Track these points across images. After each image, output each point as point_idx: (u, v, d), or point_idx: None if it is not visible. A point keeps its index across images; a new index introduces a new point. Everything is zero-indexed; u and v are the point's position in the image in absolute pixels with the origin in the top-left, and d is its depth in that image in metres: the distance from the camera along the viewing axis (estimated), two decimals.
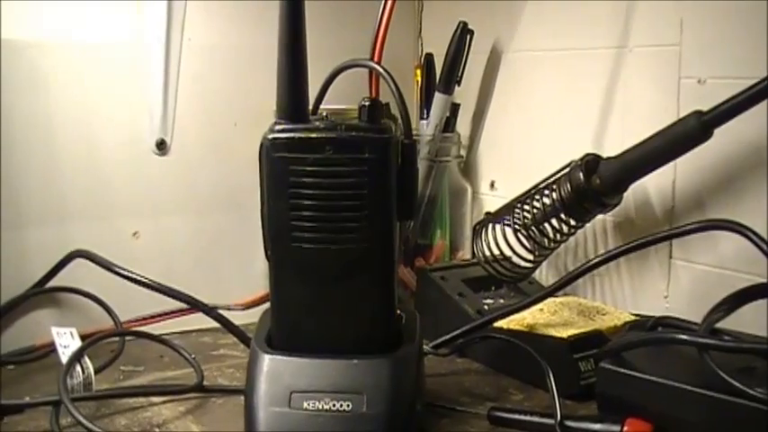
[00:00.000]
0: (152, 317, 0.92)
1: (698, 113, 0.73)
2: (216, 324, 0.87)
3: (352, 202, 0.64)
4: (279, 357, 0.66)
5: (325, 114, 0.67)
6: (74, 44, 0.90)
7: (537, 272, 0.93)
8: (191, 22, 0.96)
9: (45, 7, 0.89)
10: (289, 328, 0.68)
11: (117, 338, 0.87)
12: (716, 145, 0.75)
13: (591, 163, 0.82)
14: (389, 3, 0.68)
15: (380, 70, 0.66)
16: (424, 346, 0.79)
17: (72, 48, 0.90)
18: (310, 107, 0.68)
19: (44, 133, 0.90)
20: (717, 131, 0.73)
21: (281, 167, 0.63)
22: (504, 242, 0.90)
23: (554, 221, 0.85)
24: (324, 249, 0.65)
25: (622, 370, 0.67)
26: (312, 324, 0.67)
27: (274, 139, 0.63)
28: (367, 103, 0.63)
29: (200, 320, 0.90)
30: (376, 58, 0.67)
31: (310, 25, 0.64)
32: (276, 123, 0.64)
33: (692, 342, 0.65)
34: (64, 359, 0.72)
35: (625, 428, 0.64)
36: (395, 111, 0.67)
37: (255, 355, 0.67)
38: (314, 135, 0.63)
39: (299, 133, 0.63)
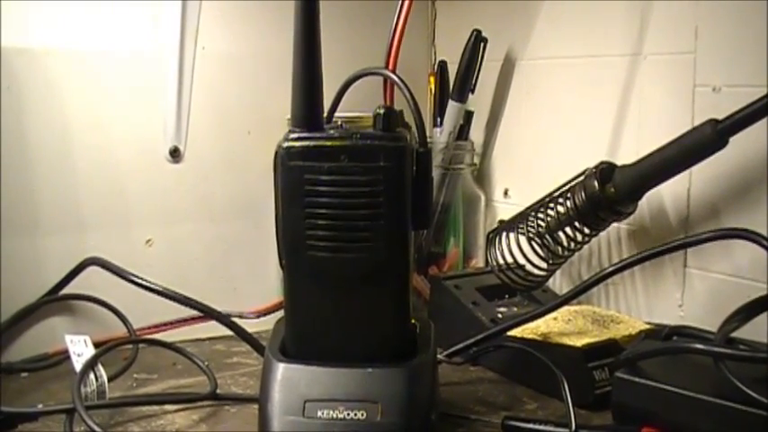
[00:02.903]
0: (165, 324, 0.92)
1: (713, 122, 0.73)
2: (229, 332, 0.87)
3: (366, 210, 0.63)
4: (293, 366, 0.66)
5: (339, 123, 0.67)
6: (89, 52, 0.91)
7: (551, 280, 0.92)
8: (205, 31, 0.96)
9: (60, 15, 0.89)
10: (303, 337, 0.68)
11: (130, 346, 0.87)
12: (731, 153, 0.74)
13: (605, 171, 0.82)
14: (404, 11, 0.67)
15: (395, 78, 0.66)
16: (438, 355, 0.79)
17: (87, 56, 0.91)
18: (325, 115, 0.68)
19: (59, 141, 0.90)
20: (732, 140, 0.72)
21: (296, 176, 0.63)
22: (518, 250, 0.89)
23: (568, 230, 0.85)
24: (338, 258, 0.64)
25: (638, 379, 0.67)
26: (326, 333, 0.67)
27: (289, 147, 0.63)
28: (382, 111, 0.63)
29: (214, 328, 0.90)
30: (390, 66, 0.67)
31: (325, 33, 0.64)
32: (291, 132, 0.64)
33: (708, 352, 0.64)
34: (77, 367, 0.72)
35: None
36: (409, 119, 0.67)
37: (269, 363, 0.67)
38: (329, 143, 0.63)
39: (314, 141, 0.63)
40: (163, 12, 0.93)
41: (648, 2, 0.86)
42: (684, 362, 0.69)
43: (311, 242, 0.64)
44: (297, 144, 0.63)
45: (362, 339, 0.67)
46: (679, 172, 0.77)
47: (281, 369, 0.66)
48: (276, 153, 0.64)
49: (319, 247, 0.64)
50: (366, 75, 0.68)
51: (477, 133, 1.07)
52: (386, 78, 0.67)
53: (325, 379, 0.65)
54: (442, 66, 1.07)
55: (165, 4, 0.93)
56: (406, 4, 0.67)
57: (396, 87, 0.68)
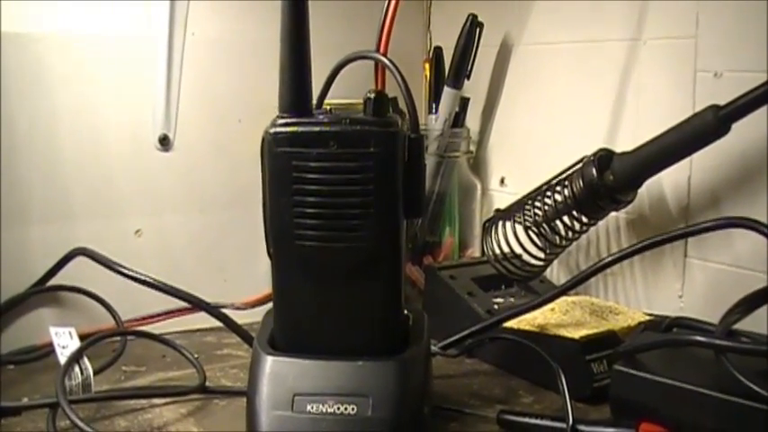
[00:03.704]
0: (154, 316, 0.90)
1: (715, 108, 0.71)
2: (220, 324, 0.85)
3: (357, 198, 0.61)
4: (281, 359, 0.64)
5: (329, 108, 0.65)
6: (77, 38, 0.89)
7: (548, 271, 0.91)
8: (195, 17, 0.94)
9: (47, 1, 0.87)
10: (292, 329, 0.66)
11: (118, 338, 0.86)
12: (733, 140, 0.72)
13: (604, 158, 0.80)
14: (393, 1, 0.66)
15: (386, 62, 0.64)
16: (432, 347, 0.77)
17: (75, 42, 0.89)
18: (314, 101, 0.66)
19: (46, 129, 0.88)
20: (733, 127, 0.70)
21: (284, 163, 0.61)
22: (515, 240, 0.88)
23: (566, 218, 0.83)
24: (328, 248, 0.62)
25: (637, 372, 0.65)
26: (316, 324, 0.65)
27: (276, 133, 0.61)
28: (372, 96, 0.61)
29: (204, 320, 0.88)
30: (382, 50, 0.65)
31: (315, 21, 0.62)
32: (279, 117, 0.62)
33: (710, 344, 0.63)
34: (62, 360, 0.70)
35: None
36: (402, 105, 0.65)
37: (258, 356, 0.65)
38: (317, 129, 0.61)
39: (303, 127, 0.61)
40: None
41: None
42: (685, 354, 0.67)
43: (299, 231, 0.62)
44: (284, 130, 0.61)
45: (353, 331, 0.65)
46: (680, 159, 0.75)
47: (270, 362, 0.64)
48: (263, 139, 0.62)
49: (308, 237, 0.62)
50: (357, 59, 0.66)
51: (473, 121, 1.05)
52: (377, 63, 0.65)
53: (315, 372, 0.63)
54: (438, 52, 1.05)
55: None
56: None
57: (388, 73, 0.66)
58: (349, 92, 0.72)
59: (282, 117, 0.62)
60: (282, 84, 0.62)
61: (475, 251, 1.03)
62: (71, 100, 0.89)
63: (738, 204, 0.77)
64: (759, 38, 0.74)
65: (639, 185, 0.79)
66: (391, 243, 0.64)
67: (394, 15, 0.65)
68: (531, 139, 1.00)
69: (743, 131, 0.72)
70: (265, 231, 0.65)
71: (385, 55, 0.65)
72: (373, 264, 0.63)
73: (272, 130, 0.62)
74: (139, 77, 0.92)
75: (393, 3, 0.65)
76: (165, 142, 0.94)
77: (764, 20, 0.73)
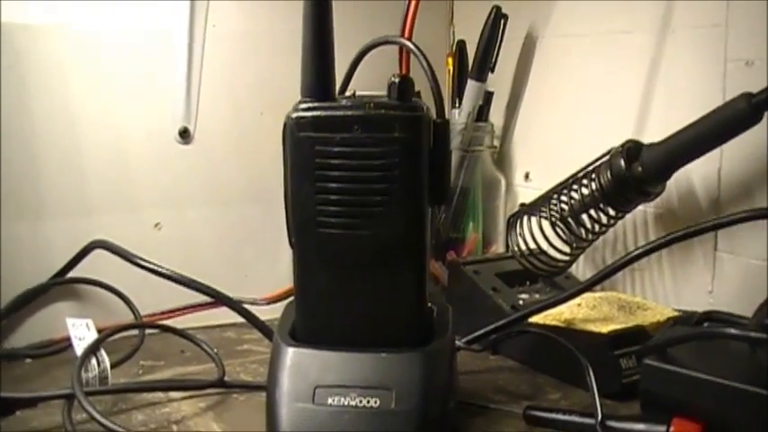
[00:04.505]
0: (173, 311, 0.89)
1: (747, 95, 0.69)
2: (240, 319, 0.84)
3: (381, 184, 0.60)
4: (303, 350, 0.63)
5: (353, 92, 0.64)
6: (94, 30, 0.88)
7: (573, 267, 0.89)
8: (216, 8, 0.93)
9: None
10: (313, 320, 0.64)
11: (137, 332, 0.84)
12: (764, 130, 0.70)
13: (632, 150, 0.78)
14: None
15: (411, 46, 0.63)
16: (457, 342, 0.75)
17: (93, 33, 0.88)
18: (338, 87, 0.65)
19: (64, 121, 0.87)
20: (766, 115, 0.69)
21: (306, 148, 0.60)
22: (541, 234, 0.86)
23: (593, 212, 0.81)
24: (351, 235, 0.61)
25: (669, 366, 0.63)
26: (338, 315, 0.63)
27: (299, 117, 0.60)
28: (397, 80, 0.60)
29: (224, 315, 0.87)
30: (407, 35, 0.64)
31: (338, 10, 0.61)
32: (301, 102, 0.61)
33: (744, 337, 0.60)
34: (79, 351, 0.69)
35: (672, 429, 0.60)
36: (426, 95, 0.63)
37: (278, 348, 0.64)
38: (340, 113, 0.60)
39: (325, 111, 0.60)
40: None
41: None
42: (717, 349, 0.65)
43: (322, 218, 0.61)
44: (307, 114, 0.60)
45: (376, 322, 0.63)
46: (710, 149, 0.73)
47: (291, 354, 0.63)
48: (285, 124, 0.61)
49: (331, 224, 0.61)
50: (381, 44, 0.65)
51: (496, 115, 1.03)
52: (401, 49, 0.64)
53: (337, 364, 0.62)
54: (461, 46, 1.03)
55: None
56: None
57: (412, 59, 0.64)
58: (372, 83, 0.70)
59: (305, 101, 0.61)
60: (305, 68, 0.61)
61: (499, 247, 1.02)
62: (91, 93, 0.88)
63: None
64: None
65: (669, 177, 0.77)
66: (416, 231, 0.62)
67: (418, 2, 0.64)
68: (557, 133, 0.98)
69: None
70: (287, 219, 0.63)
71: (410, 40, 0.63)
72: (397, 252, 0.62)
73: (294, 115, 0.60)
74: (160, 70, 0.91)
75: None
76: (185, 135, 0.93)
77: None
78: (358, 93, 0.64)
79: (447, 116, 0.62)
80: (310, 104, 0.61)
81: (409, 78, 0.61)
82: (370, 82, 0.68)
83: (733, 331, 0.62)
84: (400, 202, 0.60)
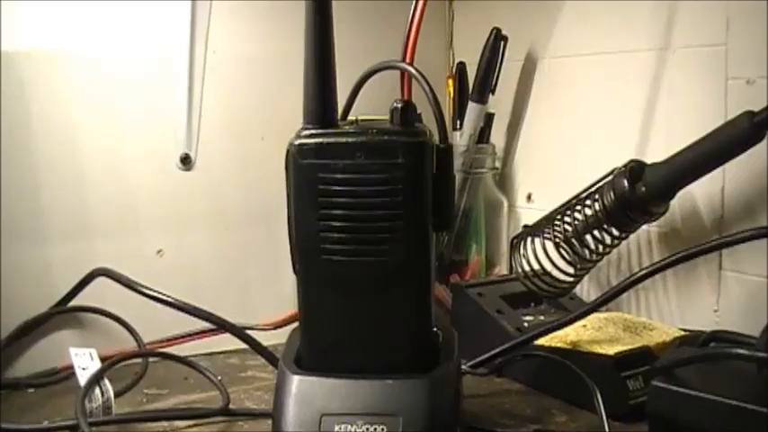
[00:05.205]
0: (177, 338, 0.89)
1: (750, 114, 0.69)
2: (243, 345, 0.83)
3: (385, 210, 0.60)
4: (308, 378, 0.62)
5: (355, 118, 0.63)
6: (96, 56, 0.88)
7: (578, 287, 0.89)
8: (216, 34, 0.93)
9: (70, 19, 0.87)
10: (319, 347, 0.64)
11: (140, 360, 0.84)
12: (767, 149, 0.71)
13: (636, 169, 0.78)
14: (420, 4, 0.64)
15: (413, 71, 0.63)
16: (462, 366, 0.75)
17: (94, 60, 0.88)
18: (340, 113, 0.65)
19: (66, 147, 0.87)
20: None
21: (310, 175, 0.60)
22: (544, 255, 0.85)
23: (596, 232, 0.81)
24: (355, 262, 0.61)
25: (677, 388, 0.62)
26: (344, 342, 0.63)
27: (302, 144, 0.60)
28: (399, 105, 0.60)
29: (227, 342, 0.86)
30: (408, 60, 0.64)
31: (338, 35, 0.61)
32: (303, 129, 0.61)
33: (752, 357, 0.60)
34: (82, 381, 0.69)
35: None
36: (428, 118, 0.63)
37: (283, 375, 0.63)
38: (344, 140, 0.59)
39: (328, 138, 0.60)
40: (172, 14, 0.90)
41: None
42: (725, 369, 0.65)
43: (326, 245, 0.61)
44: (310, 141, 0.60)
45: (382, 348, 0.63)
46: (714, 168, 0.73)
47: (296, 381, 0.62)
48: (287, 151, 0.61)
49: (335, 251, 0.61)
50: (383, 69, 0.65)
51: (498, 137, 1.03)
52: (403, 73, 0.64)
53: (343, 391, 0.61)
54: (461, 68, 1.04)
55: (175, 6, 0.90)
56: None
57: (415, 83, 0.64)
58: (373, 108, 0.70)
59: (307, 128, 0.61)
60: (307, 94, 0.61)
61: (502, 269, 1.01)
62: (92, 120, 0.88)
63: None
64: None
65: (672, 196, 0.77)
66: (421, 256, 0.62)
67: (419, 25, 0.64)
68: (559, 154, 0.98)
69: None
70: (291, 246, 0.63)
71: (411, 64, 0.63)
72: (402, 277, 0.62)
73: (297, 142, 0.60)
74: (161, 96, 0.91)
75: (418, 13, 0.64)
76: (186, 161, 0.93)
77: None
78: (360, 117, 0.64)
79: (450, 141, 0.61)
80: (313, 131, 0.61)
81: (411, 104, 0.61)
82: (372, 106, 0.68)
83: (740, 351, 0.61)
84: (404, 229, 0.60)
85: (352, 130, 0.60)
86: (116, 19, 0.89)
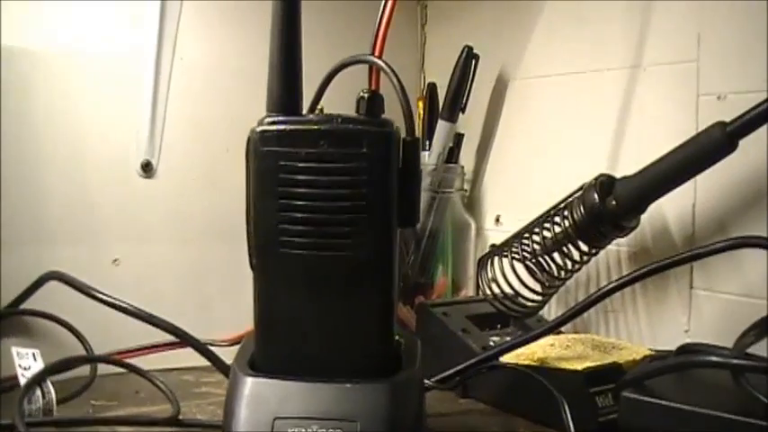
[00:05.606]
0: (129, 351, 0.84)
1: (722, 124, 0.68)
2: (199, 362, 0.79)
3: (347, 202, 0.57)
4: (262, 380, 0.59)
5: (320, 108, 0.62)
6: (59, 54, 0.86)
7: (546, 310, 0.86)
8: (184, 42, 0.91)
9: (35, 15, 0.84)
10: (274, 348, 0.61)
11: (88, 368, 0.80)
12: (738, 165, 0.70)
13: (606, 183, 0.77)
14: (390, 3, 0.63)
15: (382, 64, 0.61)
16: (426, 381, 0.72)
17: (57, 58, 0.86)
18: (306, 108, 0.63)
19: (24, 147, 0.84)
20: (739, 150, 0.68)
21: (271, 163, 0.58)
22: (513, 274, 0.83)
23: (566, 249, 0.79)
24: (315, 256, 0.58)
25: (650, 399, 0.60)
26: (300, 342, 0.60)
27: (264, 131, 0.58)
28: (366, 95, 0.58)
29: (182, 358, 0.83)
30: (377, 54, 0.62)
31: (307, 34, 0.59)
32: (266, 116, 0.59)
33: (728, 364, 0.58)
34: (23, 381, 0.65)
35: None
36: (396, 108, 0.61)
37: (236, 377, 0.60)
38: (307, 127, 0.57)
39: (291, 125, 0.58)
40: (140, 16, 0.88)
41: (648, 11, 0.82)
42: (696, 379, 0.63)
43: (285, 238, 0.58)
44: (272, 128, 0.58)
45: (341, 350, 0.60)
46: (686, 180, 0.72)
47: (249, 383, 0.59)
48: (249, 139, 0.59)
49: (294, 244, 0.58)
50: (352, 63, 0.63)
51: (467, 159, 1.02)
52: (371, 66, 0.62)
53: (298, 394, 0.58)
54: (432, 88, 1.03)
55: (143, 6, 0.88)
56: None
57: (383, 79, 0.63)
58: (340, 108, 0.69)
59: (270, 116, 0.59)
60: (271, 82, 0.59)
61: (468, 292, 0.99)
62: (52, 119, 0.85)
63: (747, 232, 0.73)
64: (763, 58, 0.72)
65: (644, 210, 0.75)
66: (384, 253, 0.59)
67: (389, 20, 0.63)
68: (528, 176, 0.97)
69: (748, 155, 0.69)
70: (248, 239, 0.60)
71: (380, 58, 0.62)
72: (364, 275, 0.59)
73: (259, 129, 0.58)
74: (124, 100, 0.89)
75: (389, 8, 0.63)
76: (147, 168, 0.90)
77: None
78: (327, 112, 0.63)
79: (416, 135, 0.60)
80: (276, 118, 0.58)
81: (378, 94, 0.59)
82: (340, 107, 0.67)
83: (713, 359, 0.59)
84: (367, 222, 0.58)
85: (315, 118, 0.58)
86: (81, 17, 0.86)
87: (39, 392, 0.65)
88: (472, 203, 1.03)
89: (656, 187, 0.73)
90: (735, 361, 0.58)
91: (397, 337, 0.64)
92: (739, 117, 0.67)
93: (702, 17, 0.77)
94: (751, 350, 0.62)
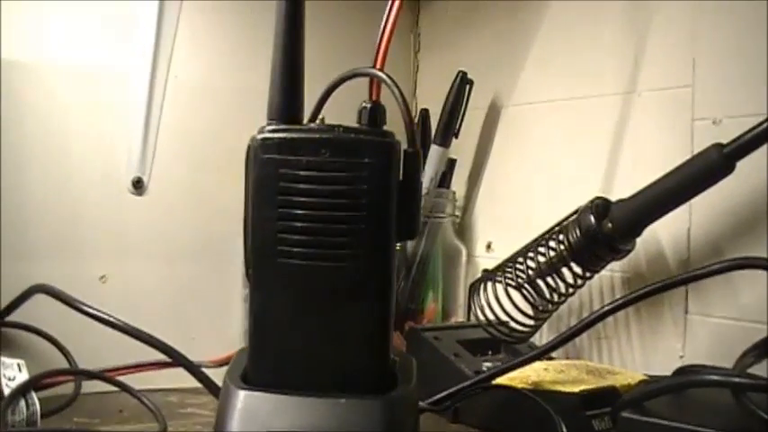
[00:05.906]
0: (114, 369, 0.82)
1: (718, 146, 0.68)
2: (184, 384, 0.78)
3: (347, 212, 0.57)
4: (254, 393, 0.57)
5: (321, 117, 0.61)
6: (49, 67, 0.85)
7: (537, 337, 0.86)
8: (180, 59, 0.91)
9: (28, 29, 0.84)
10: (268, 360, 0.59)
11: (71, 386, 0.78)
12: (735, 189, 0.70)
13: (601, 206, 0.76)
14: (394, 8, 0.63)
15: (383, 77, 0.61)
16: (420, 402, 0.71)
17: (54, 72, 0.85)
18: (307, 119, 0.62)
19: (12, 160, 0.83)
20: (736, 175, 0.68)
21: (270, 170, 0.57)
22: (507, 298, 0.83)
23: (560, 272, 0.79)
24: (313, 267, 0.57)
25: (649, 419, 0.59)
26: (295, 356, 0.58)
27: (264, 138, 0.57)
28: (368, 106, 0.58)
29: (168, 379, 0.81)
30: (378, 66, 0.62)
31: (309, 49, 0.59)
32: (267, 124, 0.59)
33: (729, 383, 0.57)
34: (7, 392, 0.63)
35: None
36: (395, 124, 0.61)
37: (228, 391, 0.58)
38: (308, 135, 0.57)
39: (293, 133, 0.57)
40: (135, 33, 0.88)
41: (642, 37, 0.82)
42: (694, 400, 0.62)
43: (283, 248, 0.57)
44: (273, 135, 0.57)
45: (336, 364, 0.58)
46: (683, 202, 0.72)
47: (242, 397, 0.57)
48: (249, 146, 0.58)
49: (292, 254, 0.57)
50: (353, 76, 0.63)
51: (459, 185, 1.02)
52: (372, 79, 0.62)
53: (292, 409, 0.57)
54: (424, 114, 1.03)
55: (139, 24, 0.88)
56: (396, 3, 0.63)
57: (383, 91, 0.62)
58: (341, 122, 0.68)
59: (271, 124, 0.59)
60: (273, 89, 0.59)
61: (458, 319, 0.98)
62: (41, 132, 0.85)
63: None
64: (758, 81, 0.72)
65: (640, 232, 0.75)
66: (382, 265, 0.58)
67: (392, 33, 0.63)
68: (520, 203, 0.97)
69: (744, 178, 0.69)
70: (245, 248, 0.59)
71: (381, 70, 0.62)
72: (361, 287, 0.58)
73: (260, 136, 0.58)
74: (117, 115, 0.88)
75: (392, 19, 0.63)
76: (138, 185, 0.89)
77: (764, 62, 0.71)
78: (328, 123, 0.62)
79: (418, 147, 0.59)
80: (277, 126, 0.58)
81: (380, 105, 0.59)
82: (338, 121, 0.66)
83: (714, 378, 0.59)
84: (367, 233, 0.57)
85: (317, 127, 0.58)
86: (76, 34, 0.86)
87: (23, 403, 0.63)
88: (463, 230, 1.02)
89: (651, 210, 0.73)
90: (737, 379, 0.57)
91: (392, 356, 0.63)
92: (737, 138, 0.67)
93: (697, 42, 0.78)
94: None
